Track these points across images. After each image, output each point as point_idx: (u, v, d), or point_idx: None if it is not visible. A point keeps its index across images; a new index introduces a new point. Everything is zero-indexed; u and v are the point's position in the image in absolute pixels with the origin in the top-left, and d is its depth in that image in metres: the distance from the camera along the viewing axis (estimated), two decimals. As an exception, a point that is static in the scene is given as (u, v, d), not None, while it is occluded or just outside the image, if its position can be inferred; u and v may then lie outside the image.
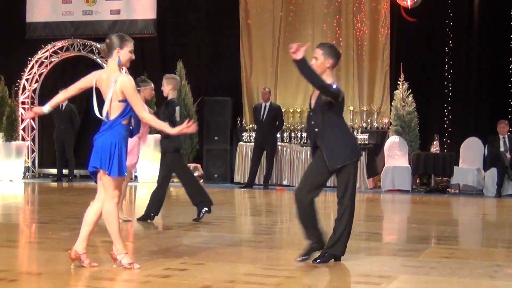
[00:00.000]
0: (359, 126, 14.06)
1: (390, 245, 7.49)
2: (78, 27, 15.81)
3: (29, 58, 15.29)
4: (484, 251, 7.11)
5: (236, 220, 9.59)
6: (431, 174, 13.41)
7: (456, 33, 13.96)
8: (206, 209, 8.57)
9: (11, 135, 14.82)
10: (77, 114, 14.77)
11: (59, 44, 15.30)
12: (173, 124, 8.29)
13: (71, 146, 14.73)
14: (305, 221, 6.04)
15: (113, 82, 5.53)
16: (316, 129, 6.00)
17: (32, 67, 15.34)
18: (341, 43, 14.51)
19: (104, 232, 7.71)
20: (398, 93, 13.64)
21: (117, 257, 5.67)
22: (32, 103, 15.69)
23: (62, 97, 5.92)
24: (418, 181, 13.68)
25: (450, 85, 13.97)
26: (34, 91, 15.68)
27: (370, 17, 14.39)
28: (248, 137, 14.37)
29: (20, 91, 15.42)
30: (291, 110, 14.60)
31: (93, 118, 5.67)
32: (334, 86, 5.90)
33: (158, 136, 9.33)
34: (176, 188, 12.08)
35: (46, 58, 15.38)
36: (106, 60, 5.81)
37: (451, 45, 13.96)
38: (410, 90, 13.58)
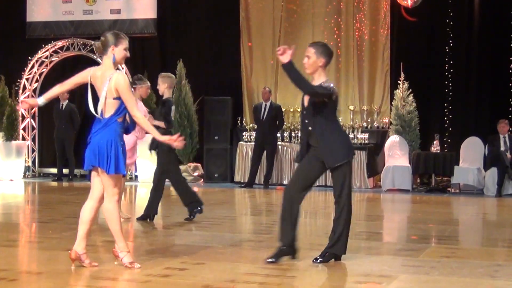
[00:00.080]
0: (359, 125, 14.05)
1: (390, 245, 7.49)
2: (79, 26, 15.81)
3: (29, 57, 15.30)
4: (485, 250, 7.11)
5: (236, 220, 9.59)
6: (431, 173, 13.41)
7: (456, 32, 13.96)
8: (199, 208, 8.59)
9: (11, 135, 14.83)
10: (78, 114, 14.77)
11: (59, 43, 15.31)
12: (168, 123, 8.36)
13: (71, 145, 14.72)
14: (286, 220, 5.96)
15: (108, 79, 5.53)
16: (310, 128, 5.96)
17: (33, 66, 15.34)
18: (341, 43, 14.52)
19: (103, 231, 7.73)
20: (399, 93, 13.63)
21: (119, 254, 5.68)
22: (33, 103, 15.68)
23: (57, 90, 5.94)
24: (418, 180, 13.68)
25: (450, 84, 13.97)
26: (34, 90, 15.68)
27: (370, 17, 14.39)
28: (248, 137, 14.36)
29: (20, 91, 15.42)
30: (292, 110, 14.59)
31: (93, 118, 5.66)
32: (326, 85, 5.86)
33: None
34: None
35: (46, 57, 15.38)
36: (101, 58, 5.81)
37: (451, 44, 13.96)
38: (410, 90, 13.58)
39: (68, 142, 14.67)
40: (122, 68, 14.82)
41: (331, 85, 5.95)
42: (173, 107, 8.51)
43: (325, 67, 6.00)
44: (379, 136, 14.06)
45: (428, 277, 5.59)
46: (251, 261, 6.16)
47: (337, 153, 5.91)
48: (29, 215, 9.86)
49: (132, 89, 8.28)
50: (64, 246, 6.40)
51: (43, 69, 15.51)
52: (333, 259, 6.04)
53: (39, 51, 15.24)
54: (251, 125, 14.48)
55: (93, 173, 5.67)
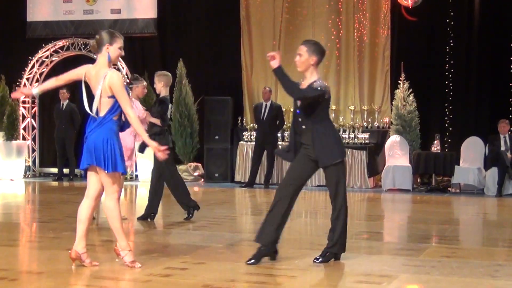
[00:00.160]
0: (359, 125, 14.05)
1: (390, 245, 7.49)
2: (79, 26, 15.81)
3: (29, 57, 15.30)
4: (485, 250, 7.11)
5: (236, 220, 9.59)
6: (431, 173, 13.41)
7: (456, 32, 13.96)
8: (195, 207, 8.62)
9: (11, 134, 14.83)
10: (78, 114, 14.75)
11: (59, 43, 15.32)
12: (164, 121, 8.38)
13: (72, 145, 14.72)
14: (270, 221, 5.91)
15: (102, 78, 5.54)
16: (304, 127, 5.94)
17: (33, 66, 15.34)
18: (342, 43, 14.52)
19: (101, 230, 7.73)
20: (399, 93, 13.63)
21: (120, 253, 5.68)
22: (33, 102, 15.71)
23: (52, 84, 5.99)
24: (419, 180, 13.68)
25: (450, 84, 13.96)
26: (34, 90, 15.67)
27: (371, 17, 14.39)
28: (248, 137, 14.36)
29: (20, 91, 15.40)
30: (292, 110, 14.55)
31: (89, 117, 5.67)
32: (317, 85, 5.82)
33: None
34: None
35: (46, 57, 15.39)
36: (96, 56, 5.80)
37: (451, 44, 13.96)
38: (410, 90, 13.57)
39: (69, 142, 14.67)
40: (123, 68, 14.84)
41: (323, 83, 5.90)
42: (170, 106, 8.53)
43: (317, 65, 5.96)
44: (380, 136, 14.06)
45: (428, 276, 5.59)
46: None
47: (330, 152, 5.89)
48: (30, 215, 9.87)
49: (129, 88, 8.34)
50: (65, 245, 6.40)
51: (43, 68, 15.51)
52: (333, 259, 6.04)
53: (39, 51, 15.25)
54: (251, 125, 14.48)
55: (89, 172, 5.67)
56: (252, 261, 5.87)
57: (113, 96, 5.54)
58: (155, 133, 8.46)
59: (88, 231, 5.74)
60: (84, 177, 5.87)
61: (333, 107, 14.35)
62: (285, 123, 14.09)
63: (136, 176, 14.65)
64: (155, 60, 15.61)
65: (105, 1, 15.77)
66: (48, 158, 16.09)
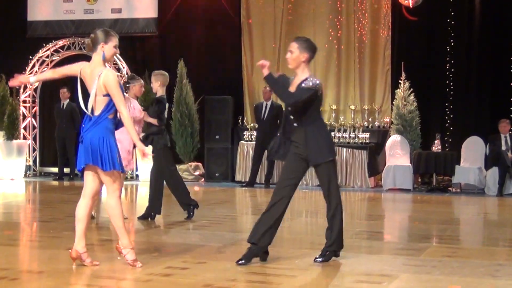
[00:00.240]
0: (360, 125, 14.04)
1: (391, 244, 7.49)
2: (79, 25, 15.80)
3: (30, 56, 15.29)
4: (486, 250, 7.11)
5: (237, 219, 9.59)
6: (432, 173, 13.40)
7: (457, 32, 13.95)
8: (195, 206, 8.63)
9: (12, 134, 14.83)
10: (78, 113, 14.71)
11: (60, 43, 15.31)
12: (161, 120, 8.40)
13: (73, 144, 14.68)
14: (269, 220, 5.87)
15: (97, 76, 5.54)
16: (295, 124, 5.91)
17: (33, 65, 15.33)
18: (342, 42, 14.51)
19: (102, 230, 7.74)
20: (400, 92, 13.62)
21: (122, 251, 5.68)
22: (34, 102, 15.71)
23: (49, 75, 6.10)
24: (419, 180, 13.67)
25: (451, 84, 13.95)
26: (35, 89, 15.69)
27: (371, 16, 14.38)
28: (249, 136, 14.36)
29: (21, 90, 15.42)
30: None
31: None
32: (308, 84, 5.79)
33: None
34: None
35: (47, 57, 15.38)
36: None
37: (452, 44, 13.95)
38: (411, 89, 13.56)
39: (69, 141, 14.65)
40: (124, 68, 14.84)
41: (315, 81, 5.85)
42: (167, 105, 8.55)
43: (308, 62, 5.94)
44: (380, 136, 14.05)
45: (429, 276, 5.59)
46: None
47: (322, 150, 5.86)
48: (30, 214, 9.87)
49: (126, 87, 8.35)
50: (65, 245, 6.40)
51: (44, 68, 15.49)
52: (333, 257, 6.04)
53: (40, 50, 15.24)
54: (252, 124, 14.47)
55: (86, 171, 5.68)
56: (242, 261, 5.85)
57: (108, 95, 5.54)
58: (153, 132, 8.47)
59: (87, 230, 5.75)
60: (81, 176, 5.85)
61: (333, 106, 14.36)
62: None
63: (137, 175, 14.65)
64: (155, 59, 15.60)
65: (105, 0, 15.76)
66: (48, 157, 16.08)
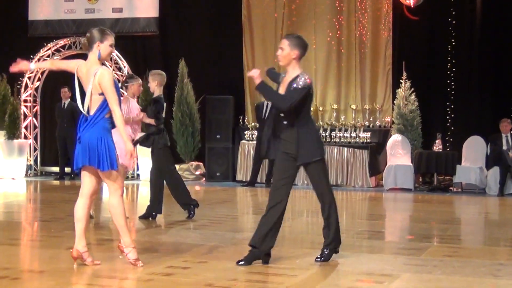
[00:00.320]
0: (361, 124, 14.03)
1: (392, 244, 7.48)
2: (80, 25, 15.79)
3: (31, 56, 15.26)
4: (487, 249, 7.10)
5: (238, 219, 9.59)
6: (433, 172, 13.39)
7: (458, 31, 13.94)
8: (196, 205, 8.63)
9: (13, 133, 14.83)
10: (79, 113, 14.75)
11: (61, 42, 15.31)
12: (158, 120, 8.40)
13: (73, 144, 14.68)
14: (269, 223, 5.81)
15: (93, 75, 5.54)
16: (285, 122, 5.88)
17: (34, 65, 15.32)
18: (343, 42, 14.50)
19: (102, 229, 7.74)
20: (401, 92, 13.62)
21: (124, 250, 5.68)
22: (35, 101, 15.71)
23: (47, 65, 6.31)
24: (420, 179, 13.66)
25: (452, 83, 13.94)
26: (36, 89, 15.69)
27: (372, 16, 14.37)
28: (250, 136, 14.35)
29: (22, 89, 15.42)
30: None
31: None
32: (299, 83, 5.77)
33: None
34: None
35: (48, 56, 15.37)
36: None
37: (453, 43, 13.93)
38: (412, 89, 13.55)
39: (70, 141, 14.60)
40: (125, 67, 14.84)
41: (305, 80, 5.81)
42: (165, 104, 8.55)
43: (299, 60, 5.92)
44: (381, 135, 14.05)
45: (430, 276, 5.58)
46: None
47: (311, 149, 5.83)
48: (31, 214, 9.87)
49: (124, 87, 8.35)
50: (66, 244, 6.40)
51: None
52: (333, 254, 6.04)
53: (41, 50, 15.24)
54: (253, 124, 14.47)
55: (83, 171, 5.68)
56: (242, 262, 5.83)
57: (103, 94, 5.54)
58: (153, 133, 8.48)
59: (86, 229, 5.75)
60: (79, 175, 5.86)
61: (334, 106, 14.35)
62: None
63: (138, 175, 14.65)
64: (156, 59, 15.59)
65: (106, 0, 15.76)
66: (49, 157, 16.08)
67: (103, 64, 5.73)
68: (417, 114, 13.58)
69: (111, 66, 14.59)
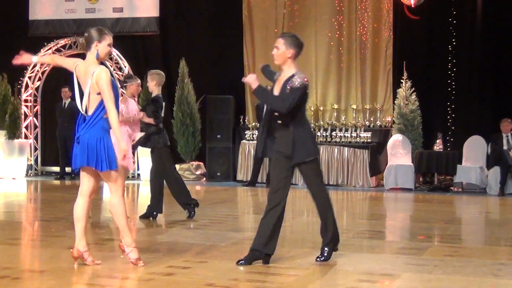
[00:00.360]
0: (362, 124, 14.03)
1: (393, 243, 7.48)
2: (81, 25, 15.79)
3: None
4: (488, 249, 7.10)
5: (239, 218, 9.59)
6: (434, 172, 13.40)
7: (459, 31, 13.93)
8: (193, 205, 8.64)
9: (13, 133, 14.83)
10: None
11: (61, 42, 15.32)
12: (157, 119, 8.41)
13: (73, 144, 14.70)
14: (268, 226, 5.78)
15: (91, 75, 5.54)
16: (280, 122, 5.86)
17: (35, 65, 15.33)
18: (344, 42, 14.50)
19: (101, 229, 7.74)
20: (401, 91, 13.62)
21: (125, 249, 5.68)
22: (35, 101, 15.72)
23: (48, 60, 6.43)
24: (421, 179, 13.67)
25: (453, 83, 13.94)
26: (36, 89, 15.69)
27: (373, 15, 14.37)
28: (250, 135, 14.35)
29: (23, 89, 15.43)
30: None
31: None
32: (294, 83, 5.76)
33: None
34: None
35: (49, 56, 15.39)
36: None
37: (454, 43, 13.93)
38: (413, 88, 13.55)
39: (71, 141, 14.51)
40: (125, 67, 14.84)
41: (301, 80, 5.79)
42: (163, 104, 8.56)
43: (294, 59, 5.91)
44: (382, 135, 14.05)
45: (431, 275, 5.58)
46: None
47: (305, 148, 5.80)
48: (32, 213, 9.87)
49: (123, 87, 8.35)
50: (67, 244, 6.40)
51: (45, 67, 15.51)
52: (333, 252, 6.04)
53: (41, 50, 15.22)
54: (253, 123, 14.47)
55: (82, 171, 5.69)
56: (242, 261, 5.82)
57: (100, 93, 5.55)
58: (152, 133, 8.48)
59: (86, 229, 5.75)
60: (78, 175, 5.86)
61: (335, 106, 14.36)
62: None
63: (138, 175, 14.65)
64: (157, 59, 15.60)
65: (107, -1, 15.78)
66: (50, 156, 16.09)
67: (101, 63, 5.73)
68: (417, 114, 13.58)
69: (111, 66, 14.59)
